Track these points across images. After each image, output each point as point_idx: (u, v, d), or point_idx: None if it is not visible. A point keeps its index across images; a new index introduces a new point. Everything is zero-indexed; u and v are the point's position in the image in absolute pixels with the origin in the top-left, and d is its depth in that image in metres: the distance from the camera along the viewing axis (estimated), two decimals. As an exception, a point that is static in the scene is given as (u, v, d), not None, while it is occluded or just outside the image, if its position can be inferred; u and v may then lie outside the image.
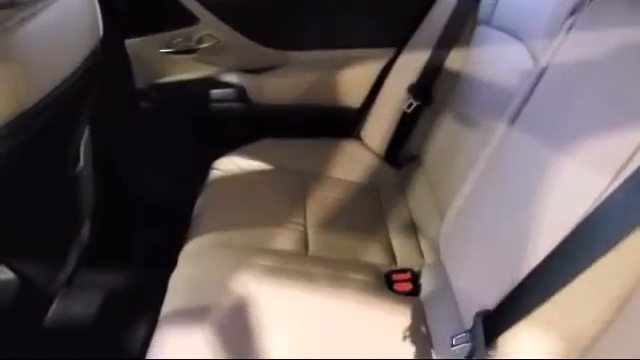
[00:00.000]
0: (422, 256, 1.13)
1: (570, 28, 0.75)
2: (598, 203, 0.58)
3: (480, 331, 0.70)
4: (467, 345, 0.72)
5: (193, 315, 0.87)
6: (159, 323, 0.88)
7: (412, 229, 1.21)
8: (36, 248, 1.05)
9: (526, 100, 0.80)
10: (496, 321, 0.68)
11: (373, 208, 1.26)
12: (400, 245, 1.15)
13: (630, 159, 0.57)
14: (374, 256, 1.10)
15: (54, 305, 1.29)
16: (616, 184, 0.57)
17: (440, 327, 0.88)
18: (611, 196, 0.57)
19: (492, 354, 0.67)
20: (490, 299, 0.70)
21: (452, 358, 0.76)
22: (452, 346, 0.74)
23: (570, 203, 0.62)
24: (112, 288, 1.37)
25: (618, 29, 0.68)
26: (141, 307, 1.26)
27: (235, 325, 0.85)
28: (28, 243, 1.01)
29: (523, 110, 0.80)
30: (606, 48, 0.67)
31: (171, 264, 1.03)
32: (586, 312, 0.60)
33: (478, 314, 0.72)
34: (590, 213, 0.58)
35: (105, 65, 1.14)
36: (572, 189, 0.64)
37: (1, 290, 0.89)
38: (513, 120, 0.82)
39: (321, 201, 1.23)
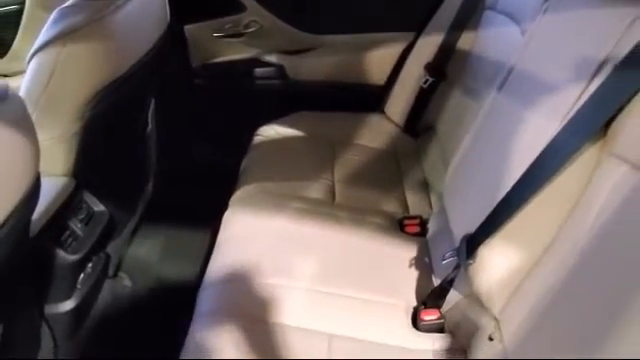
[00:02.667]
0: (431, 208, 1.33)
1: (545, 11, 0.93)
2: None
3: (463, 248, 0.90)
4: (454, 259, 0.93)
5: (242, 242, 1.10)
6: (215, 248, 1.12)
7: (424, 187, 1.40)
8: (117, 193, 1.30)
9: (511, 70, 0.99)
10: (475, 239, 0.88)
11: (392, 170, 1.47)
12: (413, 199, 1.36)
13: (571, 109, 0.76)
14: (390, 206, 1.31)
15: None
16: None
17: (439, 257, 1.08)
18: (555, 137, 0.76)
19: (471, 262, 0.88)
20: (474, 226, 0.90)
21: (445, 275, 0.96)
22: (443, 260, 0.94)
23: (531, 145, 0.81)
24: (171, 236, 1.62)
25: (578, 11, 0.86)
26: (196, 249, 1.49)
27: (276, 250, 1.08)
28: (112, 188, 1.27)
29: (508, 78, 0.99)
30: (566, 26, 0.86)
31: (220, 213, 1.25)
32: (539, 228, 0.80)
33: (464, 237, 0.92)
34: (542, 151, 0.78)
35: (168, 47, 1.39)
36: (533, 135, 0.83)
37: (97, 217, 1.14)
38: (501, 87, 1.01)
39: (347, 162, 1.45)
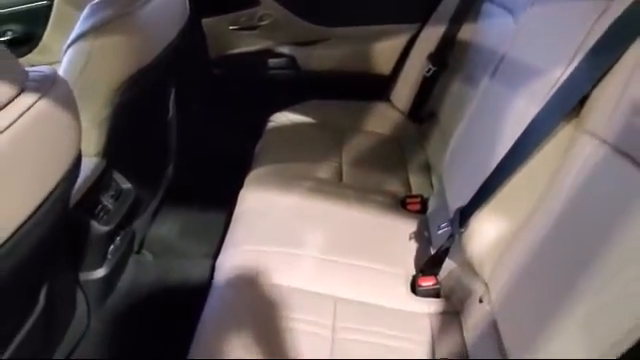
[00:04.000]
0: (432, 188, 1.42)
1: (533, 3, 1.02)
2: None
3: (457, 218, 1.00)
4: (448, 229, 1.02)
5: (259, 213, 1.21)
6: (232, 221, 1.23)
7: (426, 170, 1.49)
8: (142, 174, 1.42)
9: (502, 58, 1.08)
10: (467, 210, 0.98)
11: (396, 154, 1.56)
12: (415, 180, 1.45)
13: (549, 92, 0.84)
14: (393, 186, 1.40)
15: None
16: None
17: (437, 230, 1.17)
18: (535, 118, 0.85)
19: (463, 231, 0.97)
20: (467, 199, 1.00)
21: (441, 244, 1.06)
22: (438, 230, 1.04)
23: (516, 125, 0.90)
24: (190, 216, 1.73)
25: (559, 2, 0.95)
26: (214, 229, 1.59)
27: (287, 223, 1.19)
28: (138, 169, 1.38)
29: (500, 66, 1.08)
30: (549, 16, 0.95)
31: (236, 194, 1.34)
32: (522, 198, 0.89)
33: (457, 209, 1.02)
34: (524, 130, 0.87)
35: (188, 39, 1.49)
36: (518, 116, 0.92)
37: (125, 194, 1.25)
38: (493, 74, 1.10)
39: (354, 147, 1.54)
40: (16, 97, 0.70)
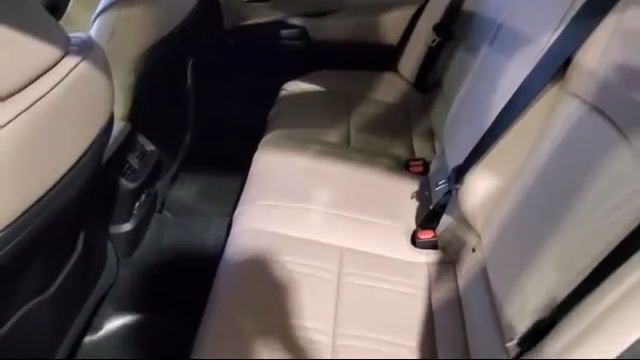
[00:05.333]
0: (435, 153, 1.50)
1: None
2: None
3: (453, 176, 1.09)
4: (445, 185, 1.11)
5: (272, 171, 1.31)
6: (247, 181, 1.33)
7: (430, 136, 1.58)
8: (163, 138, 1.52)
9: (500, 26, 1.15)
10: (463, 169, 1.07)
11: (402, 121, 1.64)
12: (419, 145, 1.54)
13: (537, 57, 0.92)
14: (398, 150, 1.49)
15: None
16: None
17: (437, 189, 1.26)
18: (524, 81, 0.93)
19: (458, 187, 1.06)
20: (464, 159, 1.09)
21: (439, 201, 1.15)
22: (436, 187, 1.13)
23: (508, 89, 0.98)
24: (206, 181, 1.83)
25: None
26: (229, 192, 1.69)
27: (298, 181, 1.29)
28: (159, 133, 1.48)
29: (498, 33, 1.15)
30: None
31: (250, 159, 1.44)
32: (511, 155, 0.98)
33: (454, 168, 1.11)
34: (514, 93, 0.95)
35: (204, 11, 1.57)
36: (509, 80, 1.00)
37: (149, 155, 1.36)
38: (492, 42, 1.18)
39: (362, 114, 1.63)
40: (61, 60, 0.79)
